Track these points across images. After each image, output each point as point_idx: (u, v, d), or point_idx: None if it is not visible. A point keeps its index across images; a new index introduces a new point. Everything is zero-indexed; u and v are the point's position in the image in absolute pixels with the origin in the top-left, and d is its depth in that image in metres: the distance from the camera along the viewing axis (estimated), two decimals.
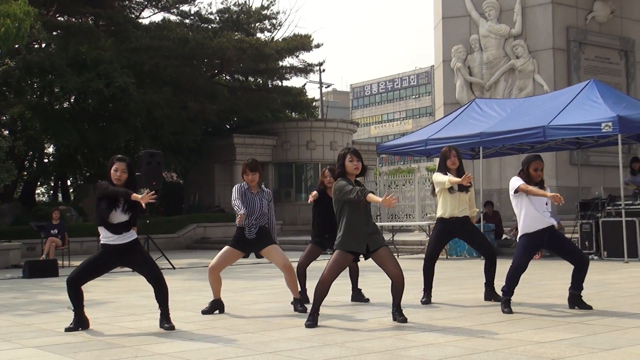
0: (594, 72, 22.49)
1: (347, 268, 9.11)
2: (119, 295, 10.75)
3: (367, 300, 9.00)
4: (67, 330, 7.16)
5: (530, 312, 7.63)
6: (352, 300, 9.08)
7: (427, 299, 8.64)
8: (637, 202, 15.49)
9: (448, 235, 8.98)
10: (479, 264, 13.01)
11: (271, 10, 36.18)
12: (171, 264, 16.78)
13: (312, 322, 7.03)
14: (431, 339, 6.17)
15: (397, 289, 7.15)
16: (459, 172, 8.72)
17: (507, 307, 7.66)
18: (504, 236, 18.26)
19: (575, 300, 7.78)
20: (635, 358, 5.22)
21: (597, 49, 23.54)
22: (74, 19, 30.82)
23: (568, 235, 16.59)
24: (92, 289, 11.76)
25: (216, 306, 8.30)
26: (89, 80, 26.02)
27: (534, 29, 22.92)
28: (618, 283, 10.14)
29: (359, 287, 9.20)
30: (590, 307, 7.64)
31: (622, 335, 6.10)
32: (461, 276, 12.48)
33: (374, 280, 11.19)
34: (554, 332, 6.37)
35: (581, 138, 17.12)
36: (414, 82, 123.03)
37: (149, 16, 37.59)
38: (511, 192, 7.77)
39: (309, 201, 8.98)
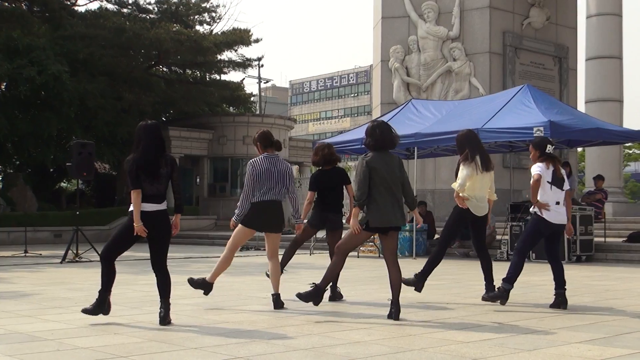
0: (529, 77, 22.90)
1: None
2: (44, 287, 10.51)
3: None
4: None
5: (457, 312, 7.72)
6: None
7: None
8: None
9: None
10: (410, 264, 13.14)
11: (211, 3, 35.85)
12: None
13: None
14: (357, 337, 6.19)
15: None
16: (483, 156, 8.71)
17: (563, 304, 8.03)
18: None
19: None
20: (555, 359, 5.32)
21: (532, 55, 23.98)
22: (6, 4, 30.03)
23: (499, 237, 16.87)
24: (17, 280, 11.50)
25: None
26: (20, 66, 25.38)
27: (471, 32, 23.22)
28: (543, 285, 10.34)
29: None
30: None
31: (544, 337, 6.21)
32: None
33: (304, 276, 11.18)
34: (478, 332, 6.45)
35: (514, 141, 17.41)
36: (353, 80, 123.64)
37: (85, 4, 36.93)
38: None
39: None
